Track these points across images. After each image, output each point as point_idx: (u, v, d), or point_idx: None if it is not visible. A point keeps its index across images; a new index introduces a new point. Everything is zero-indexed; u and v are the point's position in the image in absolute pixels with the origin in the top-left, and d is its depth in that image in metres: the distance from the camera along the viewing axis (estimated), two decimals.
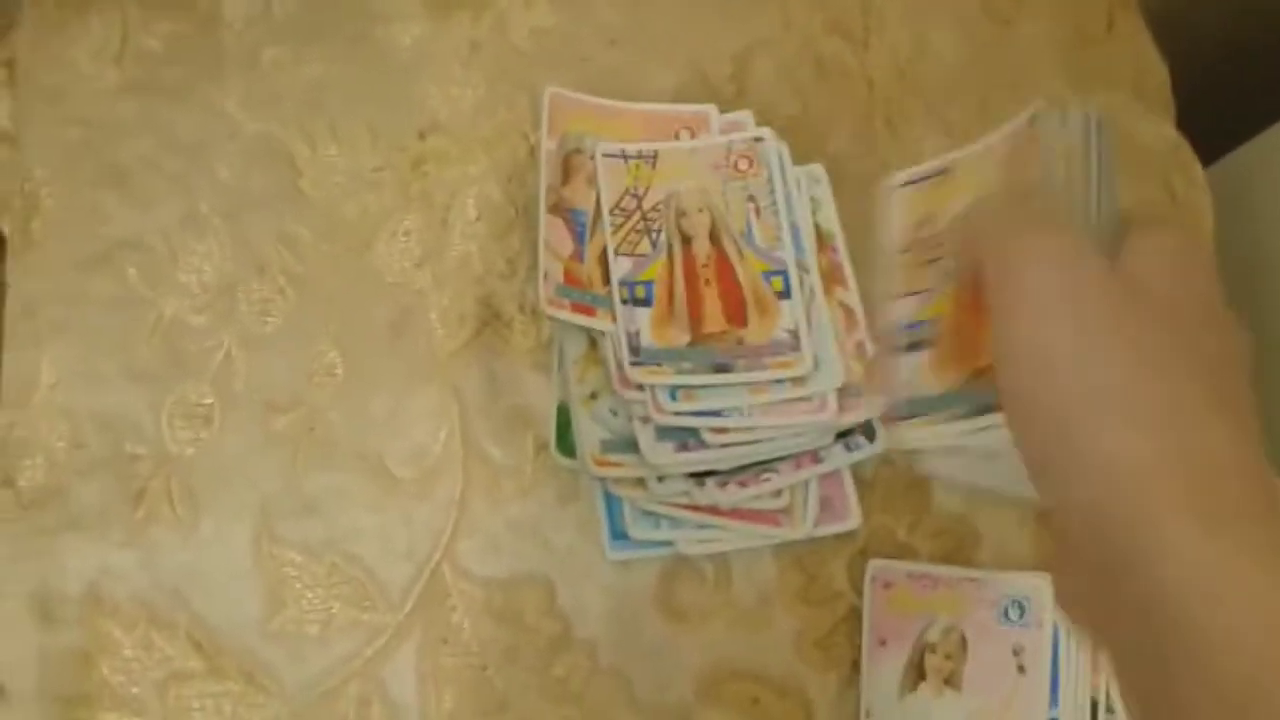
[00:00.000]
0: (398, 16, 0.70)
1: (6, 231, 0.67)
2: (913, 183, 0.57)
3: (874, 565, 0.62)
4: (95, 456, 0.61)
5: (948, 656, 0.59)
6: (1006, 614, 0.58)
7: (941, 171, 0.56)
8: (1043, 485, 0.36)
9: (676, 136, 0.64)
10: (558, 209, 0.61)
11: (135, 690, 0.58)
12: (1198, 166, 0.72)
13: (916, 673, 0.59)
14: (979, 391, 0.48)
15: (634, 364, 0.57)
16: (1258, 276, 0.82)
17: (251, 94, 0.68)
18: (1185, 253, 0.36)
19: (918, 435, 0.49)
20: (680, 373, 0.57)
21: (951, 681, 0.58)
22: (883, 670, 0.60)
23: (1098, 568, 0.34)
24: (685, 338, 0.59)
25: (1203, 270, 0.36)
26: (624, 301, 0.59)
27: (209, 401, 0.62)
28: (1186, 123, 0.74)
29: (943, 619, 0.59)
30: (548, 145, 0.63)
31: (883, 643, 0.60)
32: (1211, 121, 0.77)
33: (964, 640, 0.59)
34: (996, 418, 0.48)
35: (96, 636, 0.59)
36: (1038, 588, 0.58)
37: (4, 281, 0.65)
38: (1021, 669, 0.57)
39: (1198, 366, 0.33)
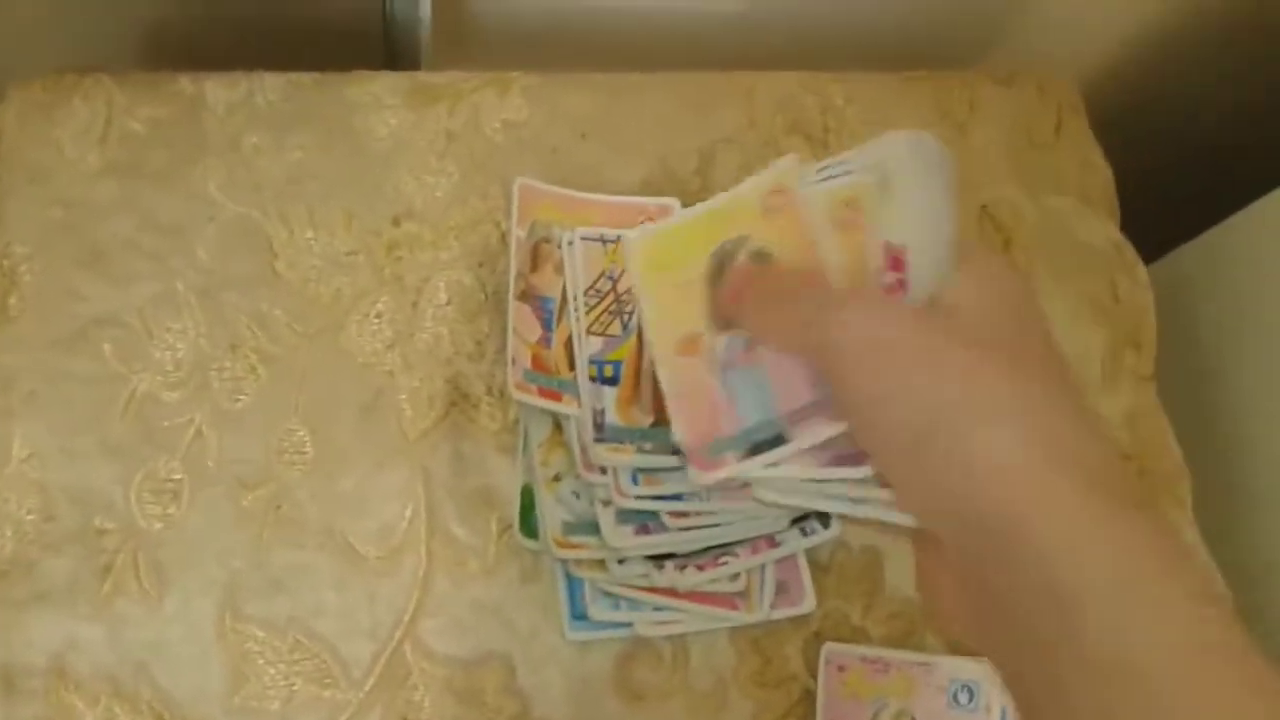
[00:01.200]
0: (376, 107, 0.72)
1: None
2: (591, 240, 0.63)
3: (828, 649, 0.63)
4: (65, 529, 0.62)
5: None
6: (956, 698, 0.60)
7: (614, 239, 0.63)
8: (911, 500, 0.40)
9: (640, 225, 0.67)
10: (526, 296, 0.63)
11: None
12: (1141, 267, 0.75)
13: None
14: (668, 432, 0.54)
15: (598, 440, 0.58)
16: (1196, 371, 0.85)
17: (232, 178, 0.70)
18: (997, 275, 0.41)
19: (616, 459, 0.57)
20: (641, 452, 0.59)
21: None
22: None
23: (973, 564, 0.36)
24: (648, 419, 0.60)
25: (1014, 285, 0.41)
26: (592, 380, 0.60)
27: (179, 477, 0.63)
28: (1128, 222, 0.77)
29: (894, 703, 0.61)
30: (517, 233, 0.66)
31: None
32: (1153, 221, 0.81)
33: None
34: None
35: (60, 710, 0.59)
36: (987, 673, 0.60)
37: None
38: None
39: (1029, 365, 0.37)
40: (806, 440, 0.54)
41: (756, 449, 0.55)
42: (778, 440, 0.54)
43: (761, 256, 0.56)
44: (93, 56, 0.74)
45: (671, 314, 0.59)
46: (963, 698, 0.60)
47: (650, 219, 0.68)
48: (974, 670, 0.60)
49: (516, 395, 0.61)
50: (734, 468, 0.55)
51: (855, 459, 0.60)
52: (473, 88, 0.74)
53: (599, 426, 0.59)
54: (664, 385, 0.56)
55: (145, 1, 0.82)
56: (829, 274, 0.48)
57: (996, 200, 0.74)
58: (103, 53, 0.77)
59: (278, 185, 0.70)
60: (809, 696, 0.63)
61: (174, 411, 0.65)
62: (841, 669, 0.62)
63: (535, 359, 0.62)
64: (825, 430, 0.58)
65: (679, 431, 0.57)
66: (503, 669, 0.62)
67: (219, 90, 0.72)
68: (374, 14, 0.80)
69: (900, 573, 0.66)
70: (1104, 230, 0.76)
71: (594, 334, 0.62)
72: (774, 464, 0.55)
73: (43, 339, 0.65)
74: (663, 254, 0.61)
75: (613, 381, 0.61)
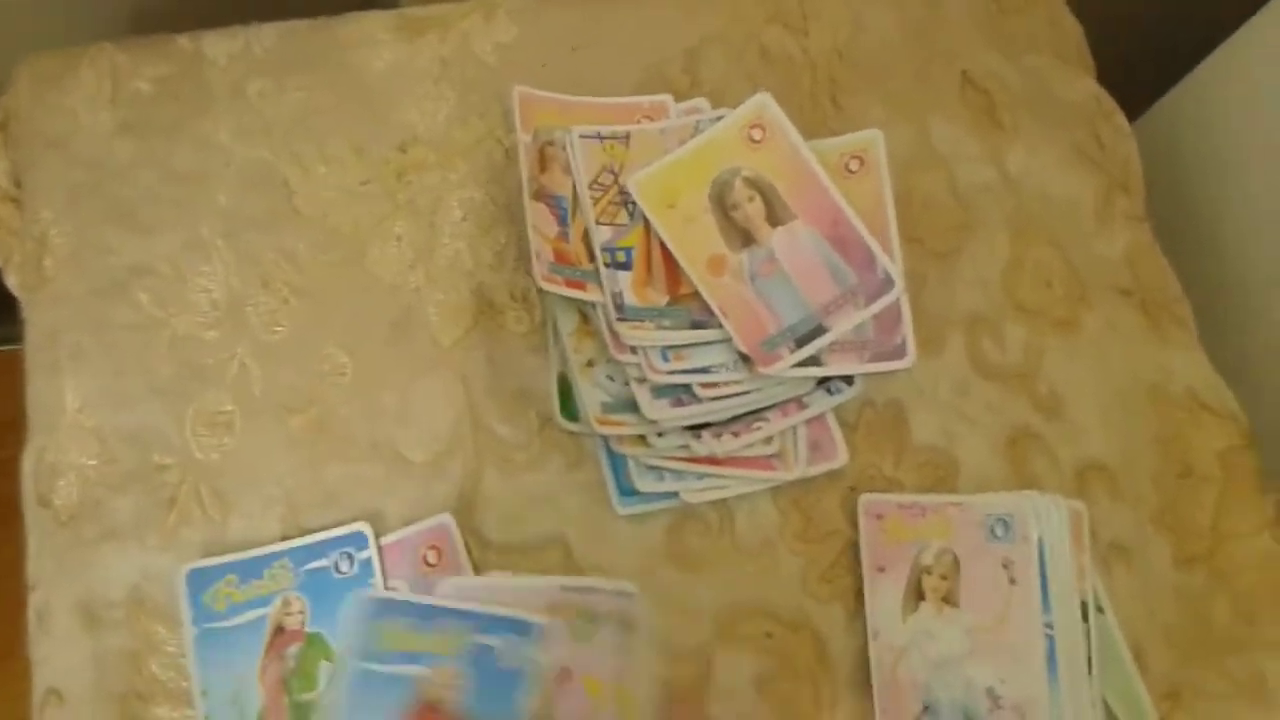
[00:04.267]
0: (370, 43, 0.75)
1: (15, 282, 0.70)
2: (591, 137, 0.68)
3: (865, 499, 0.66)
4: (126, 470, 0.65)
5: (943, 577, 0.62)
6: (993, 532, 0.62)
7: (621, 136, 0.68)
8: None
9: (638, 123, 0.69)
10: (540, 195, 0.66)
11: (185, 684, 0.61)
12: (1120, 115, 0.78)
13: (916, 594, 0.63)
14: (685, 310, 0.63)
15: (619, 320, 0.61)
16: (1187, 215, 0.88)
17: (241, 124, 0.72)
18: None
19: (638, 335, 0.61)
20: (661, 329, 0.62)
21: (949, 599, 0.62)
22: (884, 595, 0.64)
23: None
24: (664, 298, 0.63)
25: None
26: (606, 265, 0.63)
27: (229, 409, 0.66)
28: (1110, 82, 0.80)
29: (934, 543, 0.63)
30: (523, 138, 0.68)
31: (881, 570, 0.64)
32: (1133, 82, 0.83)
33: (956, 560, 0.62)
34: (707, 333, 0.62)
35: (143, 636, 0.62)
36: (1019, 505, 0.62)
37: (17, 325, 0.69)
38: (1013, 581, 0.61)
39: None
40: (842, 326, 0.64)
41: (802, 340, 0.63)
42: (818, 330, 0.63)
43: (754, 182, 0.65)
44: (83, 38, 0.76)
45: (691, 244, 0.65)
46: (999, 530, 0.62)
47: (647, 116, 0.70)
48: (1008, 503, 0.62)
49: (545, 287, 0.63)
50: (788, 359, 0.63)
51: (897, 353, 0.65)
52: (460, 14, 0.76)
53: (619, 307, 0.62)
54: (710, 304, 0.63)
55: None
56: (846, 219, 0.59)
57: (975, 66, 0.77)
58: (92, 34, 0.79)
59: (285, 126, 0.72)
60: (852, 547, 0.66)
61: (215, 349, 0.67)
62: (880, 517, 0.65)
63: (557, 253, 0.65)
64: (855, 316, 0.63)
65: (736, 339, 0.62)
66: (560, 551, 0.64)
67: (218, 44, 0.74)
68: None
69: (925, 424, 0.68)
70: (1081, 84, 0.78)
71: (603, 224, 0.65)
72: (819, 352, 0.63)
73: (80, 294, 0.68)
74: (666, 191, 0.66)
75: (625, 266, 0.64)
